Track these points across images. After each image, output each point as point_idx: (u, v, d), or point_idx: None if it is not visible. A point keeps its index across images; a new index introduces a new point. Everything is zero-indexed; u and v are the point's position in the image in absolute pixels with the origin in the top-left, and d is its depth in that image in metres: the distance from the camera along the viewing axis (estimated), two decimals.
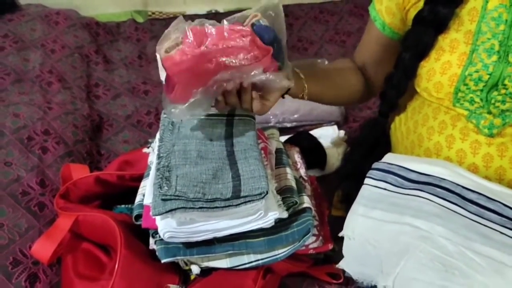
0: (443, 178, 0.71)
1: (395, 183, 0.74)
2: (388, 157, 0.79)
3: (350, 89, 0.95)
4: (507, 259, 0.62)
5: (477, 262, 0.62)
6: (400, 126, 0.92)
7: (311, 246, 0.80)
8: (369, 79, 0.97)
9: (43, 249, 0.80)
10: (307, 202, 0.78)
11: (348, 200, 1.01)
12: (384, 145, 0.96)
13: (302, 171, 0.92)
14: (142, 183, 0.83)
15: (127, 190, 0.90)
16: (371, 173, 0.77)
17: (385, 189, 0.73)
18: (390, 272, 0.66)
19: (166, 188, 0.68)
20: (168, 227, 0.69)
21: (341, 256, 0.79)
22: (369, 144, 0.96)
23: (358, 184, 0.88)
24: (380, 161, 0.78)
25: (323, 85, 0.90)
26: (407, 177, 0.74)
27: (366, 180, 0.76)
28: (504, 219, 0.66)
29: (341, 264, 0.74)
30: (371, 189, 0.74)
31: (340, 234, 0.73)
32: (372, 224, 0.70)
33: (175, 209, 0.66)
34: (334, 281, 0.81)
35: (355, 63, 0.97)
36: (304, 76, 0.84)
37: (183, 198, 0.67)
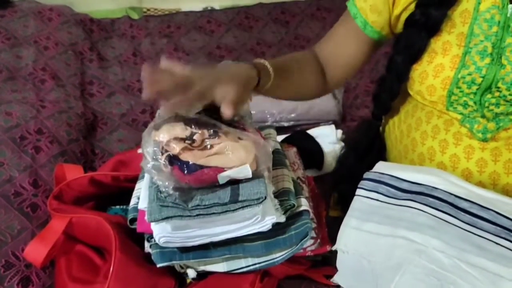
0: (435, 187, 0.70)
1: (387, 194, 0.72)
2: (379, 166, 0.77)
3: (308, 90, 0.92)
4: (503, 271, 0.60)
5: (472, 275, 0.61)
6: (394, 129, 0.91)
7: (309, 248, 0.79)
8: (328, 73, 0.92)
9: (36, 251, 0.79)
10: (304, 204, 0.77)
11: (343, 203, 1.01)
12: (379, 148, 0.96)
13: (300, 172, 0.91)
14: (137, 185, 0.82)
15: (122, 191, 0.88)
16: (362, 183, 0.75)
17: (377, 200, 0.72)
18: None
19: (166, 194, 0.67)
20: (163, 232, 0.68)
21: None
22: (364, 146, 0.95)
23: (353, 186, 0.87)
24: (371, 170, 0.77)
25: (283, 84, 0.85)
26: (399, 187, 0.72)
27: (358, 191, 0.74)
28: (498, 228, 0.64)
29: (336, 279, 0.73)
30: (363, 200, 0.73)
31: (334, 248, 0.72)
32: (365, 238, 0.68)
33: (171, 217, 0.65)
34: (332, 283, 0.80)
35: (316, 57, 0.93)
36: (273, 73, 0.78)
37: (181, 206, 0.66)
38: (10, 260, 0.82)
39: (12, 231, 0.87)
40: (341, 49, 0.91)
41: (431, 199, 0.68)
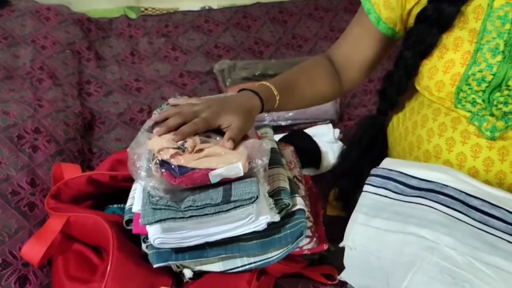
0: (445, 184, 0.69)
1: (396, 190, 0.71)
2: (387, 163, 0.76)
3: (321, 96, 0.92)
4: None
5: (486, 273, 0.60)
6: (398, 126, 0.91)
7: (305, 247, 0.79)
8: (344, 74, 0.92)
9: (33, 250, 0.79)
10: (300, 203, 0.77)
11: (344, 198, 1.01)
12: (382, 144, 0.95)
13: (297, 171, 0.91)
14: (134, 186, 0.82)
15: (119, 189, 0.88)
16: (370, 179, 0.74)
17: (386, 196, 0.71)
18: (397, 286, 0.64)
19: (157, 197, 0.67)
20: (158, 233, 0.68)
21: (336, 257, 0.77)
22: (367, 142, 0.94)
23: (354, 182, 0.86)
24: (378, 166, 0.76)
25: (293, 99, 0.87)
26: (408, 183, 0.71)
27: (366, 187, 0.73)
28: (509, 226, 0.64)
29: (343, 276, 0.72)
30: (371, 197, 0.72)
31: (341, 245, 0.71)
32: (374, 234, 0.68)
33: (164, 220, 0.65)
34: (329, 282, 0.80)
35: (331, 60, 0.93)
36: (278, 94, 0.81)
37: (173, 208, 0.66)
38: (7, 259, 0.82)
39: (9, 230, 0.86)
40: (355, 47, 0.91)
41: (441, 196, 0.68)
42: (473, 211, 0.66)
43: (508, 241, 0.63)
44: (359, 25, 0.90)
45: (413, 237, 0.65)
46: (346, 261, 0.70)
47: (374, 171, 0.75)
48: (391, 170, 0.74)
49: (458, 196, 0.68)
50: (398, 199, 0.70)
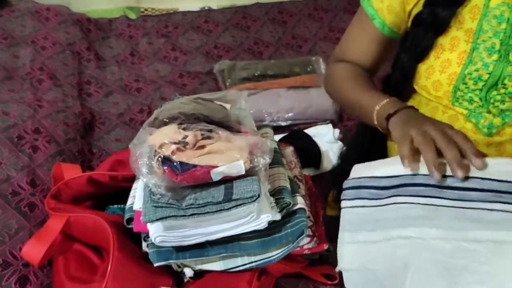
0: (414, 174, 0.68)
1: (370, 197, 0.70)
2: (355, 169, 0.76)
3: None
4: (504, 234, 0.59)
5: (479, 251, 0.59)
6: None
7: (306, 246, 0.80)
8: None
9: (33, 251, 0.79)
10: (300, 202, 0.77)
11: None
12: (381, 144, 0.95)
13: (297, 171, 0.91)
14: (134, 185, 0.82)
15: (120, 190, 0.88)
16: (344, 194, 0.73)
17: (363, 206, 0.70)
18: None
19: (159, 195, 0.67)
20: (159, 232, 0.68)
21: (336, 257, 0.77)
22: (366, 143, 0.95)
23: None
24: (348, 178, 0.75)
25: None
26: (380, 185, 0.70)
27: (343, 203, 0.72)
28: (488, 193, 0.63)
29: None
30: (350, 211, 0.71)
31: (337, 269, 0.69)
32: (362, 249, 0.67)
33: (166, 217, 0.66)
34: (329, 282, 0.80)
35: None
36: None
37: (175, 206, 0.66)
38: (8, 259, 0.82)
39: (9, 230, 0.86)
40: (365, 52, 0.91)
41: (413, 188, 0.67)
42: (448, 190, 0.65)
43: (489, 209, 0.62)
44: (361, 29, 0.90)
45: (400, 240, 0.64)
46: (347, 283, 0.69)
47: (345, 184, 0.74)
48: (359, 178, 0.73)
49: (429, 181, 0.66)
50: (375, 205, 0.69)
